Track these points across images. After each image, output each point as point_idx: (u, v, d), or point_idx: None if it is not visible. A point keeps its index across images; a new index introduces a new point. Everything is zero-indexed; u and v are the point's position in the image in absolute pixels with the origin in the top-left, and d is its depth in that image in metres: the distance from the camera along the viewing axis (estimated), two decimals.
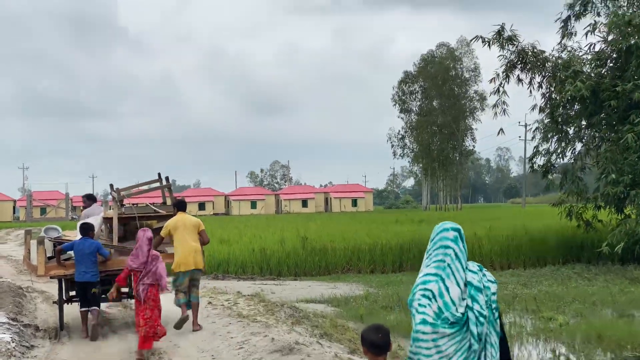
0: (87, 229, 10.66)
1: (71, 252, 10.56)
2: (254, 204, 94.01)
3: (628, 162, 19.01)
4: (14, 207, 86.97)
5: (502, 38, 21.68)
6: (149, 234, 9.43)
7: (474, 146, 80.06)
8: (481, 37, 22.07)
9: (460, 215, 49.80)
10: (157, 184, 12.63)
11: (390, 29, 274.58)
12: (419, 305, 3.98)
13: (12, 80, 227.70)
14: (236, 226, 37.54)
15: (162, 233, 10.62)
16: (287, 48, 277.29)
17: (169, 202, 12.15)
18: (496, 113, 22.79)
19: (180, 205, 11.01)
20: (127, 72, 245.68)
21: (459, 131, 76.25)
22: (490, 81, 22.56)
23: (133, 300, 11.48)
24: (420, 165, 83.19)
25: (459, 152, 78.52)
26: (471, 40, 22.27)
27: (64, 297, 11.24)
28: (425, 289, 3.99)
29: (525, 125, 76.12)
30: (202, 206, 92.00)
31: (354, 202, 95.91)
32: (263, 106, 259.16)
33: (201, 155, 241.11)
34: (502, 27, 21.74)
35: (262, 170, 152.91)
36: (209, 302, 12.81)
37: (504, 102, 22.67)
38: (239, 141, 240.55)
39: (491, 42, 21.84)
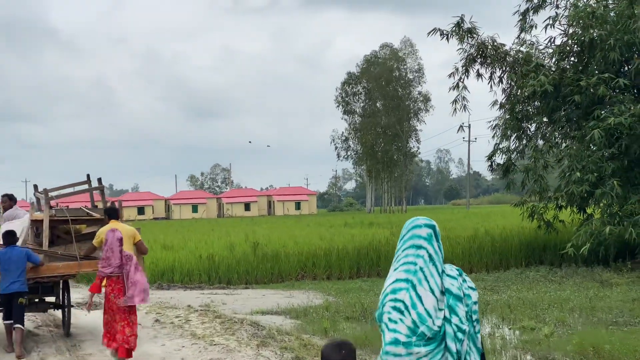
0: (12, 237, 9.52)
1: None
2: (195, 208, 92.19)
3: (592, 159, 18.19)
4: None
5: (462, 30, 20.68)
6: (119, 234, 8.66)
7: (418, 147, 79.82)
8: (439, 29, 21.01)
9: (407, 217, 49.02)
10: (88, 187, 11.39)
11: (329, 30, 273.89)
12: (390, 320, 3.40)
13: None
14: (178, 231, 35.92)
15: (95, 242, 9.51)
16: (225, 50, 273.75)
17: (100, 205, 11.11)
18: (456, 109, 21.77)
19: (111, 213, 9.75)
20: (59, 75, 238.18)
21: (403, 132, 75.78)
22: (450, 76, 21.51)
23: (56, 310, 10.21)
24: (364, 167, 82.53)
25: (403, 153, 78.03)
26: (429, 32, 21.02)
27: None
28: (396, 300, 3.39)
29: (469, 127, 76.26)
30: (141, 210, 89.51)
31: (298, 205, 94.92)
32: (202, 110, 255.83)
33: (139, 160, 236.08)
34: (462, 19, 20.74)
35: (202, 174, 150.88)
36: (157, 320, 11.30)
37: (464, 98, 21.68)
38: (178, 145, 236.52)
39: (450, 35, 20.83)
